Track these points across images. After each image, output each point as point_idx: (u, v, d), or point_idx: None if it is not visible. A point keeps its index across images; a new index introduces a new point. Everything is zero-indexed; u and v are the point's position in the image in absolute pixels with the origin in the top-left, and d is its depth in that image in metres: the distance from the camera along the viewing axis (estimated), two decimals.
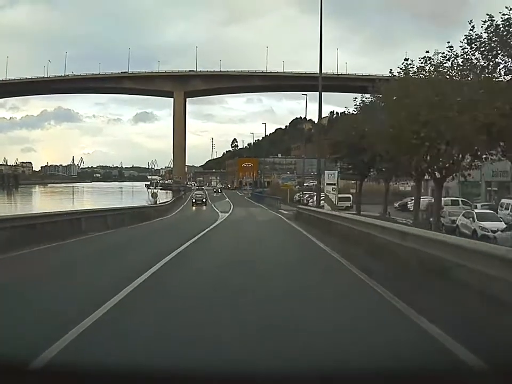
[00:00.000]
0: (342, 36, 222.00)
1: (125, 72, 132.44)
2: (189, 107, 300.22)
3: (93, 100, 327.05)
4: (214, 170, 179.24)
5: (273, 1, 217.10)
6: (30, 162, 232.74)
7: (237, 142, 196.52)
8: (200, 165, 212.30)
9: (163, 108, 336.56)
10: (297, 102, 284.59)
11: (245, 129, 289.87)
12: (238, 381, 3.42)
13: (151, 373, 3.05)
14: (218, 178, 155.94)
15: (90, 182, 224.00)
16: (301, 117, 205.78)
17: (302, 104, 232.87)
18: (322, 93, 37.18)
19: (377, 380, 3.36)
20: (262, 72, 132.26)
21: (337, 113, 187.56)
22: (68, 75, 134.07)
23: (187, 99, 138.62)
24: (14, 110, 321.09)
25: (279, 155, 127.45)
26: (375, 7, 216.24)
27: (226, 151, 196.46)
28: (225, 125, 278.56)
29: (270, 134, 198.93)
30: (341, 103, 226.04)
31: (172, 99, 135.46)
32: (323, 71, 39.37)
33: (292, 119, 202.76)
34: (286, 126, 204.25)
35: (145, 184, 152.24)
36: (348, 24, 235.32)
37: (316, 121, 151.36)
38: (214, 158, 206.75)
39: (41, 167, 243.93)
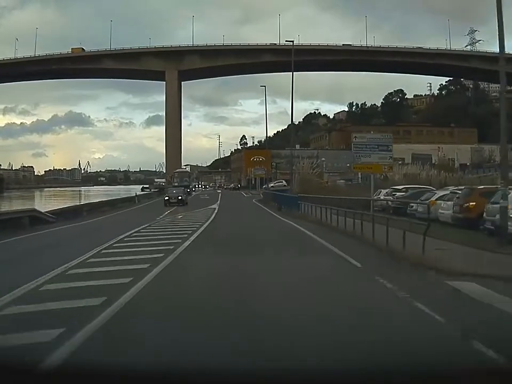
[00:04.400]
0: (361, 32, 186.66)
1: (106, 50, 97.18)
2: (201, 110, 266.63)
3: (104, 103, 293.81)
4: (220, 169, 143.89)
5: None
6: (32, 167, 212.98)
7: (246, 139, 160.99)
8: (207, 165, 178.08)
9: None
10: (311, 102, 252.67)
11: (258, 131, 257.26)
12: None
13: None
14: (223, 177, 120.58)
15: (92, 185, 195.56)
16: (315, 112, 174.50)
17: (316, 104, 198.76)
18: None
19: None
20: (274, 45, 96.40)
21: (356, 104, 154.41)
22: (38, 55, 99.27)
23: (183, 83, 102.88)
24: (25, 114, 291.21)
25: (298, 146, 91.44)
26: (393, 4, 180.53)
27: (235, 150, 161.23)
28: (238, 127, 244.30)
29: (282, 130, 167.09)
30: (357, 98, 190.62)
31: (165, 82, 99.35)
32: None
33: (305, 115, 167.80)
34: (299, 122, 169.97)
35: (142, 187, 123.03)
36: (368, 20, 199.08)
37: (331, 117, 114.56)
38: (222, 157, 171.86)
39: (45, 171, 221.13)
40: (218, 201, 42.77)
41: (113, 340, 5.25)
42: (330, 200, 21.77)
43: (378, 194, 24.89)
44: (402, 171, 40.30)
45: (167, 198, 41.24)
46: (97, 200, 41.59)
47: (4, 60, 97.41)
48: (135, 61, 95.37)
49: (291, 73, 47.96)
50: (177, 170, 75.87)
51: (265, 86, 55.95)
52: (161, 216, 27.31)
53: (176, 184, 64.55)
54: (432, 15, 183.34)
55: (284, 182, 76.00)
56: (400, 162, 47.90)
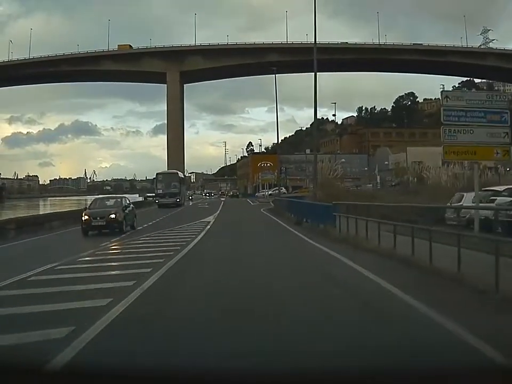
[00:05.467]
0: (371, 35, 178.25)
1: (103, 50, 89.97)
2: (208, 118, 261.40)
3: (111, 112, 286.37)
4: (226, 177, 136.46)
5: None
6: (36, 176, 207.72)
7: (252, 146, 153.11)
8: (213, 173, 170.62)
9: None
10: (318, 110, 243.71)
11: (265, 139, 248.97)
12: None
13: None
14: (229, 185, 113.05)
15: (97, 194, 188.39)
16: (322, 118, 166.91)
17: (322, 111, 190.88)
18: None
19: None
20: (281, 43, 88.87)
21: (366, 109, 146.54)
22: (33, 57, 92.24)
23: (185, 85, 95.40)
24: (31, 123, 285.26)
25: (308, 150, 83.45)
26: (401, 9, 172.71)
27: (241, 157, 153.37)
28: (245, 135, 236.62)
29: (289, 136, 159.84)
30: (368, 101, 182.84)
31: (166, 85, 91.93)
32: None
33: (313, 121, 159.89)
34: (306, 128, 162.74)
35: (145, 195, 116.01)
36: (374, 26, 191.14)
37: (338, 123, 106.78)
38: (228, 164, 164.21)
39: (50, 180, 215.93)
40: (218, 212, 34.42)
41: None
42: (381, 210, 13.73)
43: (460, 201, 16.21)
44: (448, 171, 32.25)
45: (85, 217, 20.19)
46: (48, 212, 32.87)
47: (5, 61, 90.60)
48: (135, 62, 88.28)
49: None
50: (162, 172, 53.31)
51: (275, 69, 46.55)
52: (116, 238, 17.44)
53: (160, 191, 46.68)
54: (440, 19, 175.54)
55: (284, 189, 68.44)
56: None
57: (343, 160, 37.73)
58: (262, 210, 36.54)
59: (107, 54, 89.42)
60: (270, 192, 69.48)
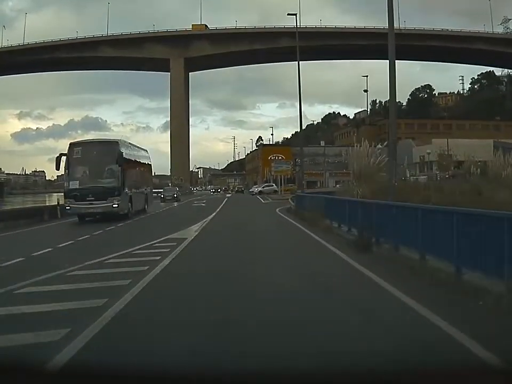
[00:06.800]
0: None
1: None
2: (219, 114, 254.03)
3: (121, 108, 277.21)
4: (234, 172, 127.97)
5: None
6: (43, 171, 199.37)
7: (262, 140, 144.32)
8: (222, 168, 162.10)
9: (193, 115, 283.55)
10: (329, 105, 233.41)
11: (276, 135, 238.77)
12: None
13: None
14: (237, 180, 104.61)
15: None
16: (334, 112, 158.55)
17: (334, 108, 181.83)
18: None
19: None
20: (294, 27, 79.54)
21: (380, 102, 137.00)
22: (28, 43, 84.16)
23: (190, 74, 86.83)
24: (41, 119, 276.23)
25: (322, 142, 74.75)
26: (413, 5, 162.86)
27: (250, 152, 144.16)
28: (255, 131, 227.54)
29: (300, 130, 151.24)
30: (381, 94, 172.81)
31: (169, 73, 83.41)
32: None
33: (324, 115, 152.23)
34: (317, 122, 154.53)
35: None
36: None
37: (351, 117, 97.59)
38: (238, 159, 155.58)
39: (57, 176, 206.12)
40: (213, 215, 24.72)
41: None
42: None
43: None
44: None
45: None
46: None
47: None
48: (136, 48, 79.96)
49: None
50: (81, 141, 24.78)
51: (295, 15, 34.81)
52: None
53: (74, 185, 21.71)
54: (455, 14, 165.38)
55: (275, 186, 61.82)
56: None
57: (381, 145, 29.21)
58: (277, 211, 27.67)
59: (106, 40, 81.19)
60: (259, 189, 62.55)
